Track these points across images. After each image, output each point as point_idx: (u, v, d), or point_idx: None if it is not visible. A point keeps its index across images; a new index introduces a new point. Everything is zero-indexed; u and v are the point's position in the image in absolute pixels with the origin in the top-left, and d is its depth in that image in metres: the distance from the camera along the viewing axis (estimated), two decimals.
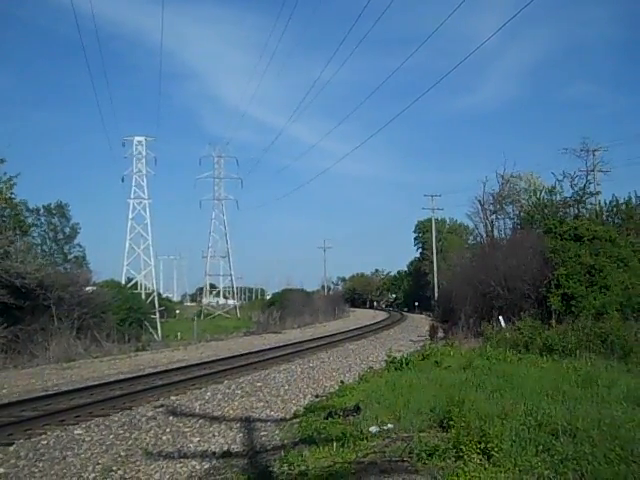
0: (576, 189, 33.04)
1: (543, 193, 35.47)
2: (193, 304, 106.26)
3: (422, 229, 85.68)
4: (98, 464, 8.74)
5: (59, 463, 8.80)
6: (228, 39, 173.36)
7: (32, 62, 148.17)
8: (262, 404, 13.43)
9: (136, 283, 62.02)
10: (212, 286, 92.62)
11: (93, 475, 8.28)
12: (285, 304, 59.57)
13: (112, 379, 17.79)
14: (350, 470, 6.96)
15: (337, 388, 14.93)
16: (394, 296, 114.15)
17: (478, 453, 6.88)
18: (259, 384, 16.15)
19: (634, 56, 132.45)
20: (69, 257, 47.91)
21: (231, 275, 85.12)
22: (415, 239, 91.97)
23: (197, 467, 8.65)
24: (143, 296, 55.82)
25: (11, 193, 29.53)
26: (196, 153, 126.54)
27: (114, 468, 8.53)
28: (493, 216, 42.59)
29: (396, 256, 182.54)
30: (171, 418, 11.80)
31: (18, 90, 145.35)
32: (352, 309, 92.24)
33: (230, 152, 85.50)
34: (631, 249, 26.06)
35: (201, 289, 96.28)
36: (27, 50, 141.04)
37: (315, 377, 17.62)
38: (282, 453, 8.47)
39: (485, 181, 42.85)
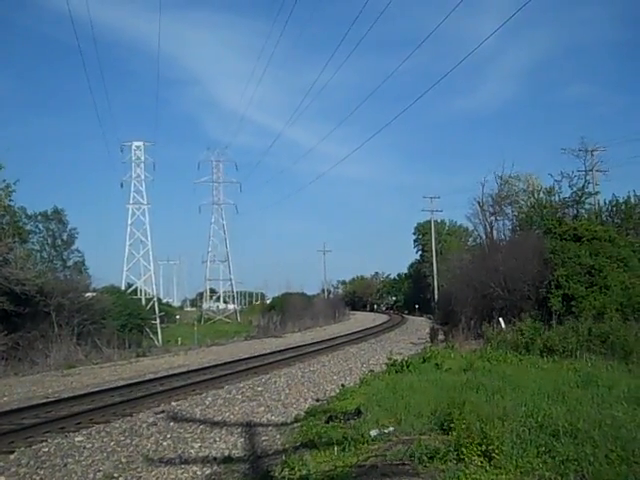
0: (575, 189, 33.08)
1: (541, 194, 35.52)
2: (193, 309, 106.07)
3: (421, 231, 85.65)
4: (99, 471, 8.72)
5: (60, 470, 8.78)
6: (226, 44, 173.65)
7: (31, 68, 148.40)
8: (263, 409, 13.42)
9: (136, 289, 62.00)
10: (212, 291, 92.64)
11: None
12: (285, 308, 59.51)
13: (113, 385, 17.77)
14: (351, 474, 6.95)
15: (338, 392, 14.90)
16: (394, 299, 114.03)
17: (479, 455, 6.87)
18: (260, 389, 16.13)
19: (632, 56, 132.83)
20: (68, 263, 47.81)
21: (231, 279, 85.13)
22: (415, 241, 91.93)
23: (198, 473, 8.63)
24: (143, 302, 55.81)
25: (10, 200, 29.58)
26: (195, 158, 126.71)
27: (115, 475, 8.51)
28: (492, 217, 42.55)
29: (396, 259, 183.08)
30: (172, 424, 11.78)
31: (16, 95, 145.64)
32: (352, 312, 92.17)
33: (229, 156, 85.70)
34: (631, 249, 26.09)
35: (201, 294, 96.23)
36: (26, 56, 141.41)
37: (316, 381, 17.60)
38: (283, 457, 8.45)
39: (484, 182, 42.88)
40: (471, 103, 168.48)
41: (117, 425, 11.77)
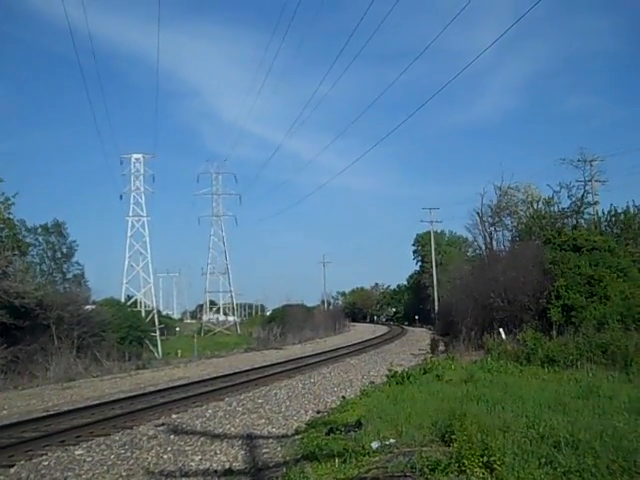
0: (574, 199, 33.17)
1: (541, 204, 35.61)
2: (193, 321, 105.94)
3: (421, 242, 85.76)
4: None
5: None
6: (226, 56, 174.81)
7: (30, 81, 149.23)
8: (263, 421, 13.37)
9: (136, 301, 61.88)
10: (212, 303, 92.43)
11: None
12: (285, 320, 59.37)
13: (113, 398, 17.72)
14: None
15: (338, 403, 14.88)
16: (394, 310, 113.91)
17: (480, 467, 6.86)
18: (260, 401, 16.09)
19: (631, 67, 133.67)
20: (68, 276, 47.85)
21: (231, 291, 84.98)
22: (414, 252, 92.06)
23: None
24: (143, 314, 55.71)
25: (9, 213, 29.60)
26: (194, 170, 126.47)
27: None
28: (492, 228, 42.65)
29: (396, 270, 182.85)
30: (172, 437, 11.75)
31: (16, 108, 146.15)
32: (352, 324, 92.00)
33: (228, 168, 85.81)
34: (630, 259, 26.11)
35: (201, 306, 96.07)
36: (25, 69, 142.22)
37: (316, 393, 17.55)
38: (284, 470, 8.43)
39: (483, 193, 42.99)
40: (470, 114, 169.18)
41: (117, 438, 11.73)
